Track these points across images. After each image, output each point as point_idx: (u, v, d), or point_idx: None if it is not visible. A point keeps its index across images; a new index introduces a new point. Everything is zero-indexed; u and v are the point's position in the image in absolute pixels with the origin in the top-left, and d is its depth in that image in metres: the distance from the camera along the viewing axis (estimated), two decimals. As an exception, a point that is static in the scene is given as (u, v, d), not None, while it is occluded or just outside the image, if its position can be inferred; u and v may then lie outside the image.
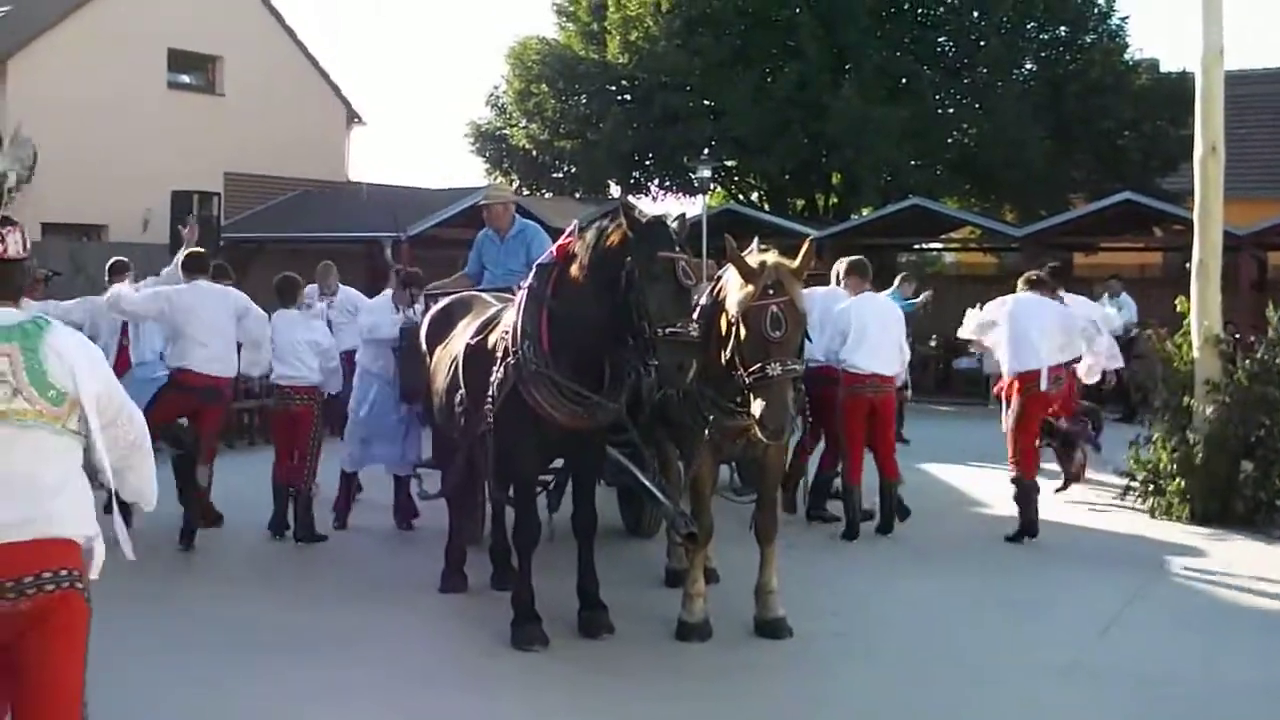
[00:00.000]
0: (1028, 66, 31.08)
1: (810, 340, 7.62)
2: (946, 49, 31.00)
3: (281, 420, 10.48)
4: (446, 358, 8.38)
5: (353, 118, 30.88)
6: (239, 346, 10.39)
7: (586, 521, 7.66)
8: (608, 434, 7.66)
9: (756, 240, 7.63)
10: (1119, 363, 13.42)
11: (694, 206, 29.94)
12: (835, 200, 32.61)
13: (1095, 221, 24.17)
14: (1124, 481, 11.90)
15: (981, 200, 32.94)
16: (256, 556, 9.88)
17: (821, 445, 11.17)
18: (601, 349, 7.13)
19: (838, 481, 10.88)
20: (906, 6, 30.56)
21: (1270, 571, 9.59)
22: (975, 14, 29.92)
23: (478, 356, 7.77)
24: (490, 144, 33.73)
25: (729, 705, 6.57)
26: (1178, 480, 11.36)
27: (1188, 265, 12.70)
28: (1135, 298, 19.65)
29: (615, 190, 32.37)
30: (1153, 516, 11.52)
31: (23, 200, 21.74)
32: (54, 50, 24.31)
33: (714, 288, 7.58)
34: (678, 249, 6.86)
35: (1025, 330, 10.56)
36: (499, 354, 7.45)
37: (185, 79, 27.40)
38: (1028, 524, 10.37)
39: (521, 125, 32.79)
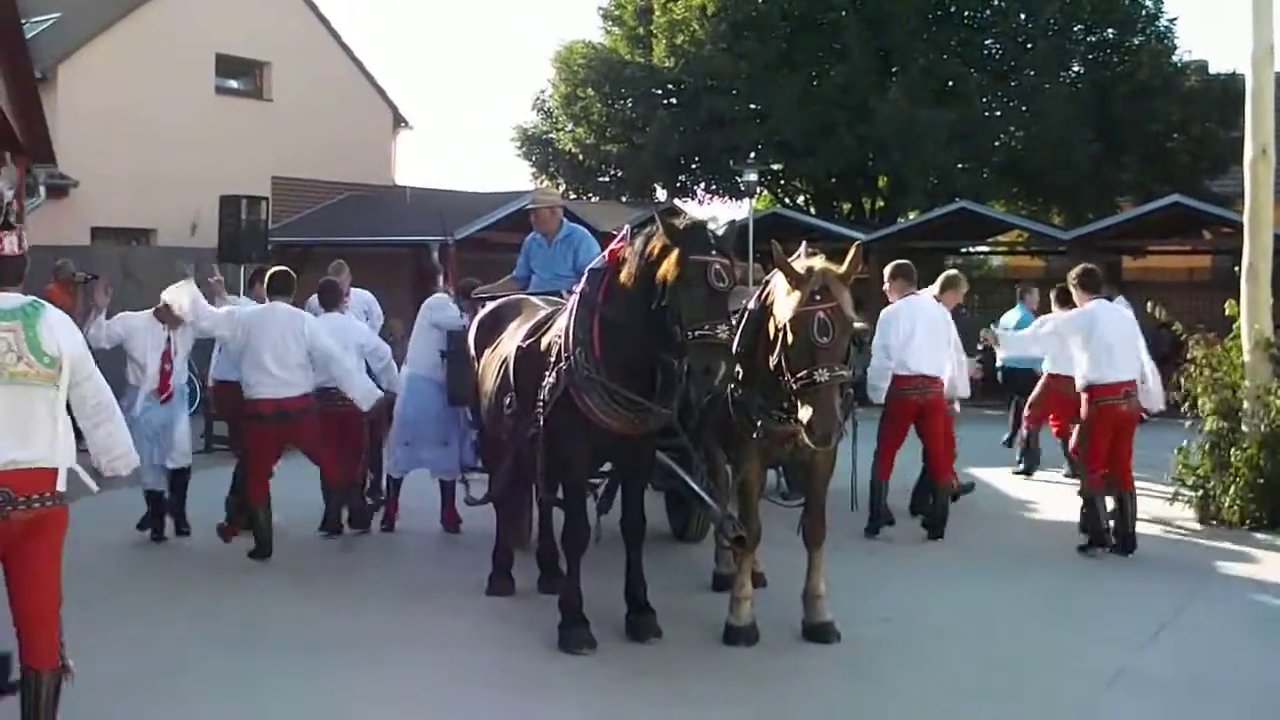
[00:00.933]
0: (1075, 69, 30.92)
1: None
2: (994, 51, 30.88)
3: (330, 422, 10.54)
4: (496, 360, 8.39)
5: (399, 121, 31.02)
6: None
7: (635, 525, 7.66)
8: (657, 438, 7.65)
9: (804, 245, 7.60)
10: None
11: (740, 210, 30.06)
12: (882, 204, 32.56)
13: (1143, 225, 24.04)
14: (1173, 488, 11.79)
15: (1029, 203, 32.79)
16: (303, 558, 9.93)
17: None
18: (651, 354, 7.12)
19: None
20: (953, 9, 30.46)
21: (1322, 578, 9.48)
22: (1022, 16, 29.77)
23: (529, 359, 7.79)
24: (536, 148, 33.88)
25: (776, 710, 6.57)
26: (1229, 485, 11.26)
27: (1237, 269, 12.59)
28: (1184, 301, 19.29)
29: (661, 194, 32.42)
30: (1202, 522, 11.43)
31: (70, 205, 22.15)
32: (102, 57, 24.56)
33: (762, 293, 7.56)
34: (715, 252, 6.83)
35: (1108, 341, 10.05)
36: (551, 358, 7.47)
37: (233, 84, 27.67)
38: (1098, 535, 10.11)
39: (568, 129, 32.92)
